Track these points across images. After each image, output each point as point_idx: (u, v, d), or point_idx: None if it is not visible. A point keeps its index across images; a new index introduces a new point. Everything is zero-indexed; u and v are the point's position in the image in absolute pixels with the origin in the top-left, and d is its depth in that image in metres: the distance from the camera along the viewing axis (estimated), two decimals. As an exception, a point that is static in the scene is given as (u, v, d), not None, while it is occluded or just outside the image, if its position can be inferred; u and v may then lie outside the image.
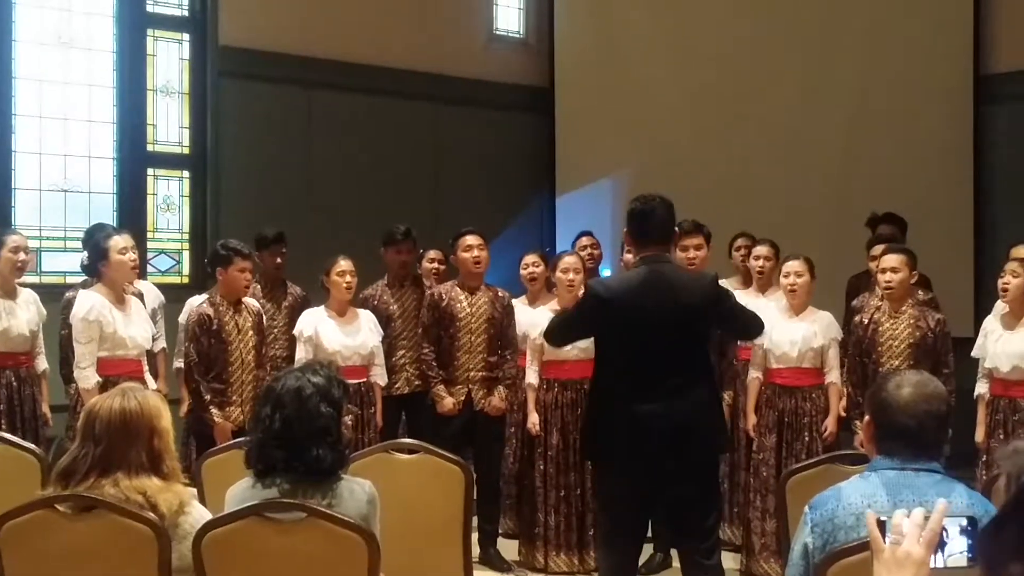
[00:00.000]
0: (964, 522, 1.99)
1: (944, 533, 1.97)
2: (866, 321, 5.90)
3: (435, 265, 7.34)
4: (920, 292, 6.23)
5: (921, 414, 2.77)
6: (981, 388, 5.90)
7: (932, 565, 1.96)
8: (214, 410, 5.87)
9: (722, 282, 6.04)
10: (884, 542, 1.99)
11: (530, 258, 6.72)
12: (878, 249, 6.32)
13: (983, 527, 1.64)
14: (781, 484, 4.06)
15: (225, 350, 5.95)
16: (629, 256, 6.43)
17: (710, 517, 4.48)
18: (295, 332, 6.33)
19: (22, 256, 5.97)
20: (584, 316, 4.53)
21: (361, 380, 6.21)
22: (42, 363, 6.07)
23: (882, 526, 2.00)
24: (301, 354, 6.12)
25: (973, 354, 5.95)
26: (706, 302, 4.40)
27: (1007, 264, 5.85)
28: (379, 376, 6.40)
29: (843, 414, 6.02)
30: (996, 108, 9.16)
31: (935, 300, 6.51)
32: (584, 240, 7.21)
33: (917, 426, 2.77)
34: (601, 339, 4.57)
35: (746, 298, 6.51)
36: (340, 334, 6.23)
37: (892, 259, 5.82)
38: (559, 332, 4.83)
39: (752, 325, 4.77)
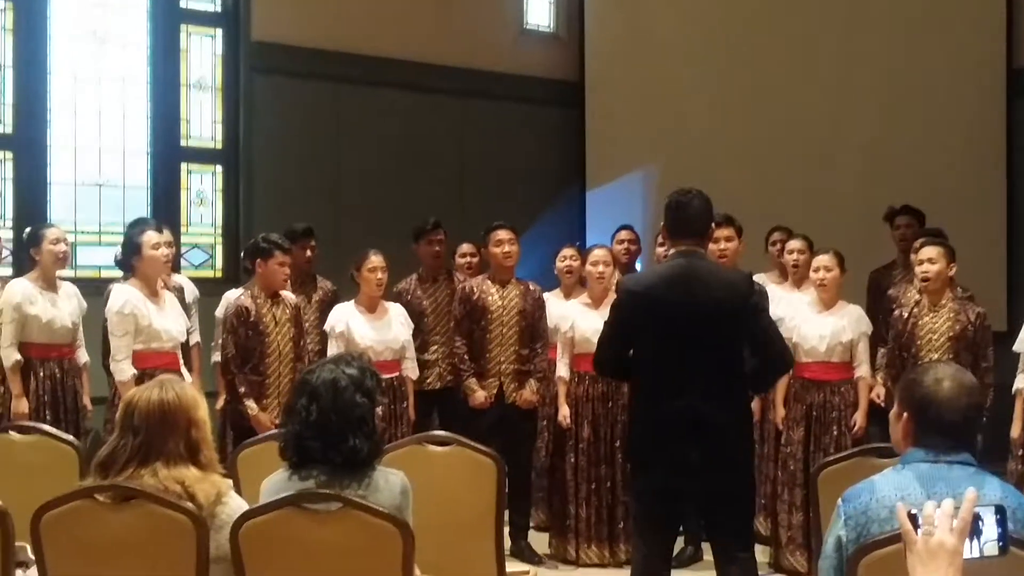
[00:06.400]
0: (994, 510, 2.00)
1: (979, 521, 1.98)
2: (906, 315, 5.89)
3: (467, 259, 7.36)
4: (959, 289, 6.20)
5: (964, 407, 2.76)
6: (1021, 383, 5.82)
7: (968, 554, 1.97)
8: (249, 402, 5.91)
9: (759, 276, 6.05)
10: (916, 534, 1.99)
11: (568, 251, 6.77)
12: (919, 242, 6.29)
13: None
14: (813, 477, 4.07)
15: (262, 342, 6.00)
16: (661, 250, 6.46)
17: (743, 511, 4.46)
18: (326, 328, 6.36)
19: (62, 247, 6.05)
20: (619, 315, 4.46)
21: (393, 375, 6.23)
22: (83, 355, 6.16)
23: (913, 519, 2.01)
24: (332, 350, 6.14)
25: (1015, 348, 5.88)
26: (735, 299, 4.28)
27: None
28: (411, 370, 6.43)
29: (882, 404, 5.99)
30: (1029, 102, 9.09)
31: (972, 297, 6.46)
32: (623, 234, 7.20)
33: (962, 420, 2.76)
34: (635, 334, 4.55)
35: (782, 292, 6.56)
36: (371, 329, 6.26)
37: (929, 251, 5.80)
38: (601, 353, 4.57)
39: (780, 358, 4.43)
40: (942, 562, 1.95)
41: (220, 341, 6.30)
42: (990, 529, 1.99)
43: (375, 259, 6.28)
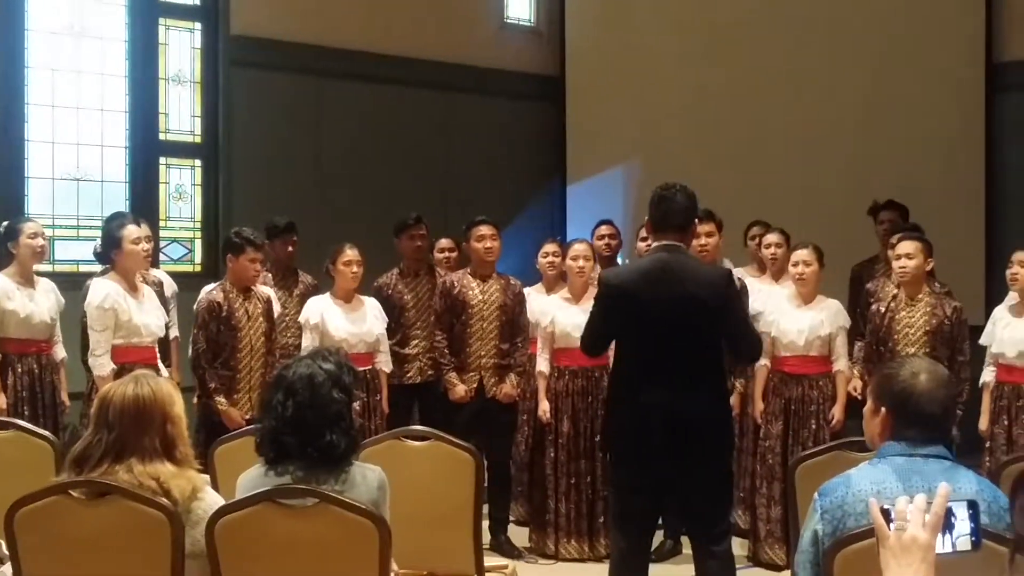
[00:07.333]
0: (967, 506, 2.00)
1: (951, 516, 1.98)
2: (883, 309, 5.91)
3: (446, 254, 7.36)
4: (937, 284, 6.24)
5: (943, 398, 2.79)
6: (987, 376, 5.92)
7: (940, 549, 1.97)
8: (219, 397, 5.92)
9: (738, 270, 6.07)
10: (888, 529, 2.00)
11: (550, 247, 6.74)
12: (897, 237, 6.32)
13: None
14: (790, 471, 4.08)
15: (235, 337, 6.00)
16: (642, 245, 6.47)
17: (720, 507, 4.49)
18: (300, 319, 6.38)
19: (40, 241, 6.03)
20: (602, 308, 4.50)
21: (366, 368, 6.24)
22: (60, 351, 6.13)
23: (886, 514, 2.01)
24: (307, 341, 6.18)
25: (981, 341, 5.95)
26: (713, 295, 4.31)
27: (1014, 255, 5.86)
28: (384, 363, 6.45)
29: (859, 398, 6.01)
30: (1008, 96, 9.10)
31: (950, 292, 6.50)
32: (603, 229, 7.21)
33: (941, 412, 2.78)
34: (614, 326, 4.56)
35: (761, 285, 6.59)
36: (346, 321, 6.28)
37: (906, 246, 5.83)
38: (587, 336, 4.66)
39: (750, 348, 4.57)
40: (915, 557, 1.95)
41: (191, 336, 6.29)
42: (963, 524, 1.99)
43: (350, 252, 6.30)
